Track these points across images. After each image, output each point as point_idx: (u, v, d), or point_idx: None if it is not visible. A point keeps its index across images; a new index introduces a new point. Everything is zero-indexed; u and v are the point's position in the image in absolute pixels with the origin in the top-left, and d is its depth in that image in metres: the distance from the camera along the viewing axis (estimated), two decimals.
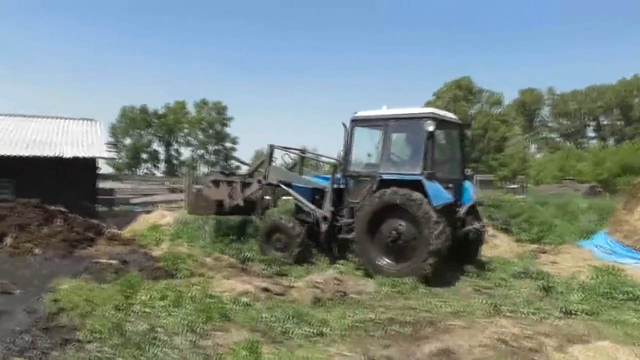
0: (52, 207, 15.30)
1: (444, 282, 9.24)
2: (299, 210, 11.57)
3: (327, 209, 10.58)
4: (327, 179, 11.00)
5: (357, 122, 10.53)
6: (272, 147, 11.84)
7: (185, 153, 73.09)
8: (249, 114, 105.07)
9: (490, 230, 13.39)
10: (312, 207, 10.95)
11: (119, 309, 6.67)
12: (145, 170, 68.11)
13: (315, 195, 11.15)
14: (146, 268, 10.20)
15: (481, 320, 6.88)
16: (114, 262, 10.58)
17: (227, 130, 72.51)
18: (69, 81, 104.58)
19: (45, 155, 17.73)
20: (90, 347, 5.49)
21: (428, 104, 62.38)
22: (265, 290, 8.13)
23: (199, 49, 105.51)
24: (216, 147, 72.29)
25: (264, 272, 9.78)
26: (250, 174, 12.18)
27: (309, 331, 6.22)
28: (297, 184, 11.54)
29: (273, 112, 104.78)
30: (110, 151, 24.75)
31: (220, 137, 72.29)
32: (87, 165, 18.80)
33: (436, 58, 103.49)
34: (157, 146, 71.69)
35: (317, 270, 9.98)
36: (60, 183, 18.13)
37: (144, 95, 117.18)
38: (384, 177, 9.64)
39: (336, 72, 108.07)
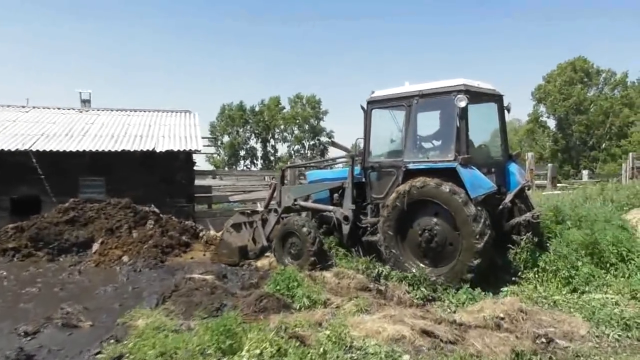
0: (144, 208, 13.67)
1: None
2: (317, 211, 10.15)
3: (348, 207, 9.18)
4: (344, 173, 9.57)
5: (374, 103, 9.05)
6: (282, 170, 11.30)
7: (282, 149, 72.49)
8: (343, 106, 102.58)
9: None
10: (331, 207, 9.70)
11: None
12: (243, 168, 68.16)
13: (334, 194, 9.91)
14: (250, 289, 7.84)
15: None
16: (209, 278, 8.34)
17: (322, 124, 70.95)
18: (170, 80, 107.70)
19: (136, 149, 16.10)
20: None
21: (539, 90, 56.68)
22: (428, 334, 5.26)
23: (291, 43, 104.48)
24: (312, 142, 71.10)
25: (409, 297, 6.93)
26: (267, 207, 11.07)
27: None
28: (314, 193, 10.34)
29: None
30: (208, 145, 23.26)
31: (316, 132, 70.89)
32: (182, 161, 17.03)
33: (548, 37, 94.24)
34: (254, 143, 71.76)
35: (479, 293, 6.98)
36: (154, 180, 16.60)
37: (240, 91, 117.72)
38: (410, 166, 8.16)
39: (434, 62, 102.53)
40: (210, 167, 51.28)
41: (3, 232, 12.60)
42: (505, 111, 8.88)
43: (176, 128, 19.11)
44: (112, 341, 4.95)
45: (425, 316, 5.92)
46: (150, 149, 16.12)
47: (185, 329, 5.41)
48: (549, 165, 25.52)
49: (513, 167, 8.70)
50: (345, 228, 9.21)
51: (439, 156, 8.25)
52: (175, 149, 16.39)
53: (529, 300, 6.90)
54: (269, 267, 9.71)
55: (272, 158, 71.09)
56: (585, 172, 32.20)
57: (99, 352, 4.75)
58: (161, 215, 13.32)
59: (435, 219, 7.83)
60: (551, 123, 58.68)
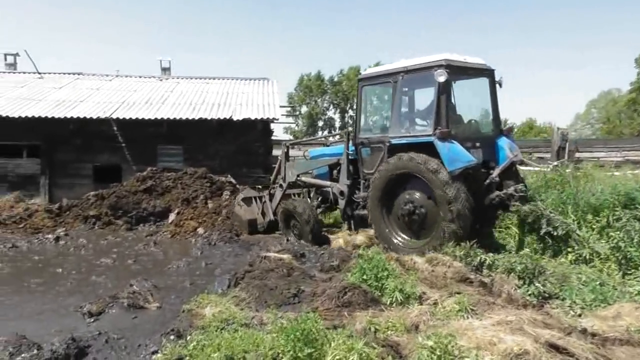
0: (220, 178, 13.29)
1: None
2: (319, 187, 10.62)
3: (343, 182, 9.59)
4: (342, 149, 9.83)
5: (365, 80, 9.49)
6: (286, 146, 11.21)
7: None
8: None
9: None
10: (329, 183, 10.12)
11: None
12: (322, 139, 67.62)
13: (334, 170, 10.20)
14: (330, 272, 7.02)
15: None
16: (285, 257, 7.60)
17: None
18: (249, 49, 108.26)
19: (213, 117, 15.64)
20: None
21: None
22: (558, 349, 4.14)
23: (371, 13, 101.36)
24: None
25: (520, 293, 5.76)
26: (274, 182, 11.35)
27: None
28: (315, 169, 10.67)
29: None
30: (286, 115, 22.63)
31: None
32: (260, 130, 16.45)
33: None
34: (332, 114, 70.82)
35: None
36: (230, 150, 16.24)
37: (318, 61, 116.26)
38: (394, 141, 8.45)
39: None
40: (288, 137, 51.10)
41: (85, 200, 12.69)
42: (497, 86, 8.86)
43: (254, 96, 18.56)
44: (172, 337, 4.25)
45: (548, 322, 4.76)
46: (227, 117, 15.62)
47: (257, 323, 4.63)
48: None
49: (503, 142, 8.60)
50: (341, 203, 9.64)
51: (419, 131, 8.50)
52: (253, 117, 15.80)
53: None
54: (343, 244, 9.15)
55: (350, 129, 70.02)
56: None
57: (156, 351, 4.06)
58: (237, 186, 12.83)
59: (416, 193, 8.06)
60: None
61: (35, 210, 12.63)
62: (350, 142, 9.52)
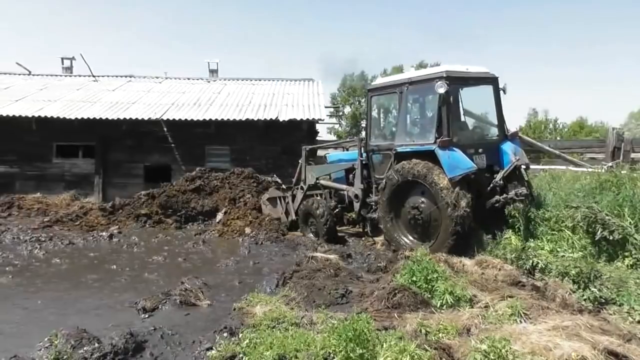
0: (267, 178, 13.49)
1: None
2: (336, 190, 11.12)
3: (358, 186, 10.13)
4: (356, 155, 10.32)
5: (374, 90, 10.18)
6: (304, 150, 11.67)
7: None
8: None
9: None
10: (345, 186, 10.66)
11: None
12: None
13: (349, 174, 10.70)
14: (377, 272, 7.03)
15: None
16: (332, 257, 7.66)
17: None
18: (291, 49, 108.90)
19: (260, 118, 15.85)
20: None
21: None
22: (617, 357, 3.99)
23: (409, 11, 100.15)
24: None
25: (576, 298, 5.59)
26: (296, 184, 11.90)
27: None
28: (333, 172, 11.22)
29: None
30: (330, 115, 22.66)
31: None
32: (305, 131, 16.52)
33: None
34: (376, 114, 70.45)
35: None
36: (276, 151, 16.43)
37: (361, 62, 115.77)
38: (399, 149, 8.94)
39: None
40: (333, 138, 51.14)
41: (137, 199, 13.06)
42: (501, 92, 9.14)
43: (299, 97, 18.69)
44: (225, 334, 4.35)
45: (605, 328, 4.61)
46: (273, 118, 15.79)
47: (307, 322, 4.69)
48: None
49: (507, 147, 8.84)
50: (356, 205, 10.17)
51: (422, 139, 8.81)
52: (298, 118, 15.90)
53: None
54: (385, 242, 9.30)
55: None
56: None
57: (210, 348, 4.16)
58: (283, 186, 12.95)
59: (421, 198, 8.44)
60: None
61: (90, 209, 13.12)
62: (362, 148, 10.10)
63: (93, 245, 10.30)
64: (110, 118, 15.74)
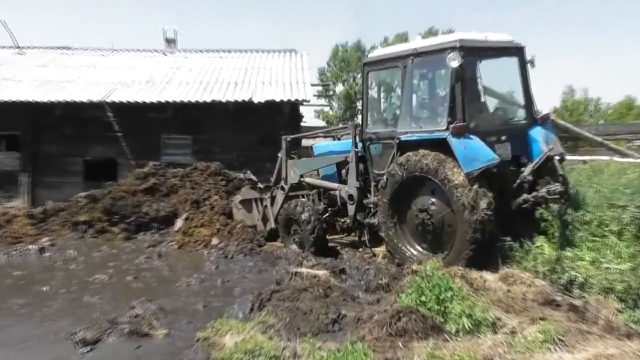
0: (238, 175, 13.62)
1: None
2: (326, 190, 11.06)
3: (352, 184, 9.93)
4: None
5: (371, 65, 9.88)
6: (285, 140, 11.49)
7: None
8: None
9: None
10: (336, 185, 10.53)
11: None
12: None
13: (342, 170, 10.58)
14: (377, 292, 7.11)
15: None
16: (321, 274, 7.76)
17: None
18: (271, 15, 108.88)
19: (229, 100, 15.89)
20: None
21: None
22: None
23: None
24: None
25: (623, 320, 5.70)
26: (275, 184, 11.78)
27: None
28: (322, 168, 11.26)
29: None
30: (318, 96, 22.73)
31: None
32: (286, 115, 16.60)
33: None
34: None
35: None
36: (251, 140, 16.52)
37: (357, 29, 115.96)
38: (403, 138, 8.81)
39: None
40: (321, 123, 51.31)
41: (74, 202, 13.10)
42: (529, 65, 9.12)
43: (279, 72, 18.86)
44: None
45: None
46: (247, 99, 15.86)
47: (289, 354, 4.73)
48: None
49: (537, 133, 8.85)
50: (350, 209, 9.97)
51: (432, 125, 8.75)
52: (278, 99, 16.03)
53: None
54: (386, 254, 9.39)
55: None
56: None
57: None
58: (260, 185, 12.99)
59: (431, 199, 8.40)
60: None
61: (15, 215, 13.07)
62: (357, 137, 9.91)
63: (19, 261, 10.34)
64: (40, 100, 15.73)
